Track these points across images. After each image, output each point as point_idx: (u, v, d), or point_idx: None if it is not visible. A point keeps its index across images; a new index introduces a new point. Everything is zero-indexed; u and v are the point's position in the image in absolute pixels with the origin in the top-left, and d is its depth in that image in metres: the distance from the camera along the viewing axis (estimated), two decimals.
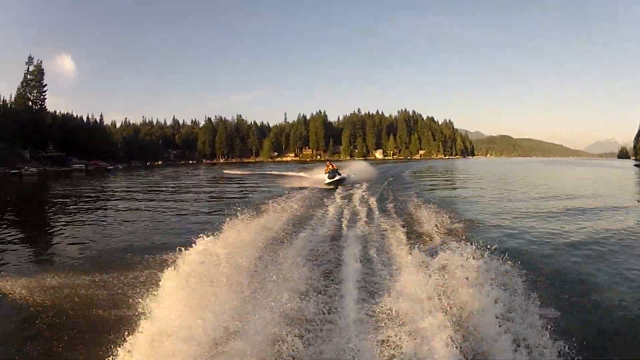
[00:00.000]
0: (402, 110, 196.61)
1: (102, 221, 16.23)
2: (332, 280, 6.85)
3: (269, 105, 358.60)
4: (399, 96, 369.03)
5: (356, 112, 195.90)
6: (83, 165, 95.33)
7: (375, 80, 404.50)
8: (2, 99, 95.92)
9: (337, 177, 26.83)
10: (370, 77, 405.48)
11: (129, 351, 4.66)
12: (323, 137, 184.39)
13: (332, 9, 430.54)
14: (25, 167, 76.67)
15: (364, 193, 21.13)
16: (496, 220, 13.64)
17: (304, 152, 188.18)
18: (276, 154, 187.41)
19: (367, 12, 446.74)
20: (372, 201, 17.50)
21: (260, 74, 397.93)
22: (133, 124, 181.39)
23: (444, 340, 4.46)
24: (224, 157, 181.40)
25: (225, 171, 58.98)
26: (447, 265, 6.48)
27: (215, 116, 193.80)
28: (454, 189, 28.40)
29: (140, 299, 5.99)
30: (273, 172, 49.63)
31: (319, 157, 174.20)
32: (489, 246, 6.91)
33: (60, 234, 14.27)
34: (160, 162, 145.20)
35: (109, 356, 4.80)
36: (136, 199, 25.21)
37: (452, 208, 15.53)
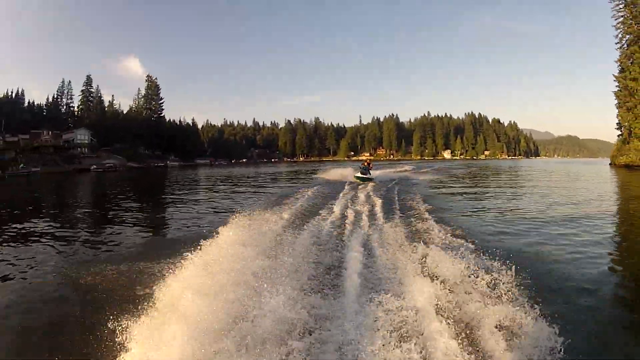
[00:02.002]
0: (468, 112, 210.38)
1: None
2: (335, 278, 6.77)
3: (341, 106, 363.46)
4: (469, 97, 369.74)
5: (426, 114, 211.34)
6: (208, 160, 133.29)
7: (443, 82, 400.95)
8: (117, 108, 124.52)
9: (367, 175, 27.67)
10: (438, 78, 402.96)
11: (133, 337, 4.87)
12: (395, 138, 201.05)
13: (401, 10, 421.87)
14: (167, 162, 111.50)
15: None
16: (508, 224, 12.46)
17: (378, 152, 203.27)
18: (352, 153, 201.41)
19: (432, 14, 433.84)
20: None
21: (330, 76, 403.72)
22: (214, 125, 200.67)
23: (444, 342, 4.51)
24: (304, 156, 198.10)
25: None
26: (451, 267, 6.57)
27: (294, 118, 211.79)
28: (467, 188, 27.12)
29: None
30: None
31: (391, 156, 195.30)
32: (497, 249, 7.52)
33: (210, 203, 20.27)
34: (244, 160, 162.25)
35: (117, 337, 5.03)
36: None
37: (461, 210, 15.17)
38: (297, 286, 5.98)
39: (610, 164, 66.77)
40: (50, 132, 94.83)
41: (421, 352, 4.39)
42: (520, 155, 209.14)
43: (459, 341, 4.59)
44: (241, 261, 6.65)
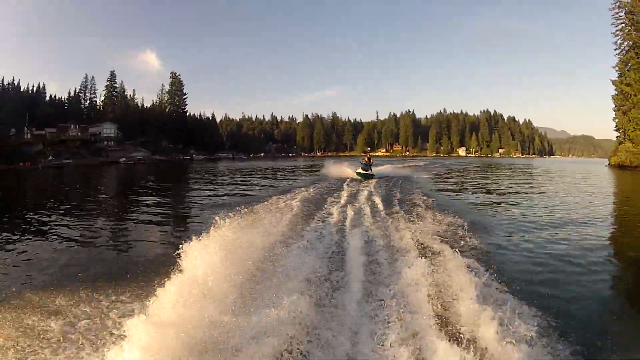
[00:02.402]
0: (484, 110, 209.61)
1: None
2: (336, 277, 6.92)
3: (358, 101, 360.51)
4: (485, 94, 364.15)
5: (442, 111, 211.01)
6: (230, 154, 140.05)
7: (460, 78, 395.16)
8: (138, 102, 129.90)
9: (368, 171, 27.85)
10: (454, 75, 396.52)
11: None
12: (412, 135, 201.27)
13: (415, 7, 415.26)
14: (193, 155, 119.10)
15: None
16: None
17: (394, 148, 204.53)
18: (369, 149, 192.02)
19: (448, 9, 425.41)
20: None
21: (348, 71, 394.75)
22: (232, 119, 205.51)
23: (443, 341, 4.59)
24: (321, 151, 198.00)
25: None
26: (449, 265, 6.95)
27: (312, 113, 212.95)
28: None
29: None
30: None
31: (407, 152, 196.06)
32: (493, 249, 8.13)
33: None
34: (262, 154, 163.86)
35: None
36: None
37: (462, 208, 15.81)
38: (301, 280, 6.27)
39: (607, 165, 70.58)
40: (77, 126, 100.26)
41: (419, 351, 4.51)
42: (534, 154, 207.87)
43: (458, 340, 4.69)
44: (242, 261, 6.67)
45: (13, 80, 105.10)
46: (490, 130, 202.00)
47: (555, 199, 20.31)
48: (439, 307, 5.63)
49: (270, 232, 9.31)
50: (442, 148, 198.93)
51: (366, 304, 5.82)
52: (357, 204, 15.71)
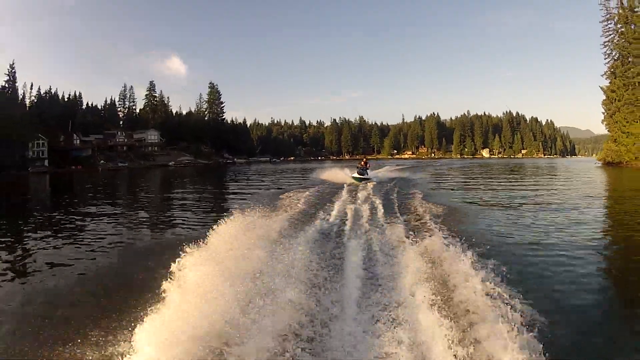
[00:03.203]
0: (506, 111, 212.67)
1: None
2: (335, 277, 6.98)
3: (383, 102, 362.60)
4: (509, 94, 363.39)
5: (465, 113, 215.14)
6: (269, 158, 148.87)
7: (483, 80, 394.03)
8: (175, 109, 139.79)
9: (364, 175, 27.51)
10: (477, 76, 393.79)
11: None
12: (436, 137, 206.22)
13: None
14: (235, 159, 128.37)
15: None
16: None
17: (420, 151, 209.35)
18: (395, 151, 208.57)
19: (463, 10, 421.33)
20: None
21: (371, 72, 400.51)
22: (262, 123, 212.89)
23: (443, 340, 4.59)
24: (349, 154, 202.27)
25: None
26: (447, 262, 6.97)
27: (339, 117, 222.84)
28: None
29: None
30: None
31: (433, 154, 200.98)
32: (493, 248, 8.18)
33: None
34: (292, 158, 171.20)
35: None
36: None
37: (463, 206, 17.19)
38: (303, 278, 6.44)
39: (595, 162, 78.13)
40: (124, 133, 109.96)
41: (416, 349, 4.57)
42: (556, 154, 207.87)
43: (455, 338, 4.67)
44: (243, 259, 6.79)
45: (50, 89, 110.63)
46: (512, 132, 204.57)
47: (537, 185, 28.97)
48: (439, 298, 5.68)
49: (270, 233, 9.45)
50: (465, 150, 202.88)
51: (365, 305, 5.84)
52: (357, 205, 16.19)
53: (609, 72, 71.97)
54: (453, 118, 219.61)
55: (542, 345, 4.45)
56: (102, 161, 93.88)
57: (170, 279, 6.14)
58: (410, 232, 10.29)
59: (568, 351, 5.01)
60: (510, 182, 33.04)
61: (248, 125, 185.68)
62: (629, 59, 68.50)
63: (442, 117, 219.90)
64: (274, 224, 10.88)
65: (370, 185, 25.71)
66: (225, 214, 13.41)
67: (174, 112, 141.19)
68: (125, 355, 4.78)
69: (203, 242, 7.73)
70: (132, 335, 4.98)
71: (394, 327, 5.08)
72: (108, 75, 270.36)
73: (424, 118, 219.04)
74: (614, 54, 71.84)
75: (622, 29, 69.63)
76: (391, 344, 4.73)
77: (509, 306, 5.26)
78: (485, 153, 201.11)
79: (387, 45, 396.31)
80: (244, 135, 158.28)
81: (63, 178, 59.74)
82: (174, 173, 65.29)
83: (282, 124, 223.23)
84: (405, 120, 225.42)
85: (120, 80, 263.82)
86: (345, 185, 25.12)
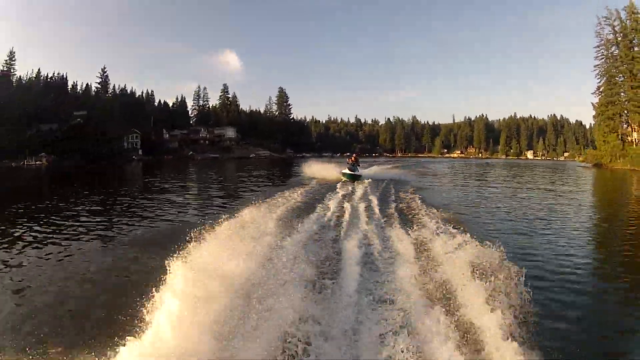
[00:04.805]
0: (551, 114, 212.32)
1: None
2: (333, 276, 7.16)
3: (436, 102, 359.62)
4: (555, 95, 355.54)
5: (512, 115, 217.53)
6: (330, 154, 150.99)
7: (531, 81, 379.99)
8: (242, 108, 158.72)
9: (355, 172, 26.73)
10: (524, 78, 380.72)
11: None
12: (484, 138, 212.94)
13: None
14: (304, 154, 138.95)
15: None
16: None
17: (469, 151, 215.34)
18: (445, 150, 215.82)
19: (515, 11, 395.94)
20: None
21: (426, 73, 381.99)
22: (319, 121, 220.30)
23: (442, 338, 4.67)
24: (402, 152, 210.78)
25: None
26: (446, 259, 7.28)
27: (393, 116, 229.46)
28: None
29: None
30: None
31: (480, 155, 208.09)
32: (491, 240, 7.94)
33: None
34: (349, 154, 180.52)
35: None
36: None
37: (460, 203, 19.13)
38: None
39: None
40: (206, 129, 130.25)
41: (413, 347, 4.62)
42: None
43: (455, 336, 4.82)
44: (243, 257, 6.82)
45: (125, 87, 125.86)
46: (556, 135, 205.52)
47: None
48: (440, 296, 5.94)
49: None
50: (511, 151, 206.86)
51: (365, 306, 5.92)
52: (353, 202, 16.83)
53: (597, 92, 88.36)
54: (500, 119, 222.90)
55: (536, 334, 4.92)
56: (190, 152, 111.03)
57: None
58: None
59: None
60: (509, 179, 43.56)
61: (307, 123, 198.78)
62: (611, 80, 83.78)
63: (490, 118, 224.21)
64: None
65: (365, 182, 25.46)
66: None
67: (246, 110, 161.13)
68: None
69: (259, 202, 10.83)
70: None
71: (394, 327, 5.17)
72: (171, 73, 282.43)
73: (473, 119, 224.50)
74: (604, 78, 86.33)
75: (612, 52, 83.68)
76: (391, 344, 4.79)
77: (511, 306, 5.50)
78: (529, 155, 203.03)
79: (441, 46, 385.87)
80: (306, 132, 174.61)
81: (165, 164, 78.93)
82: (262, 162, 78.48)
83: (339, 121, 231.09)
84: (455, 121, 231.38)
85: (181, 78, 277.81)
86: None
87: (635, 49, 79.12)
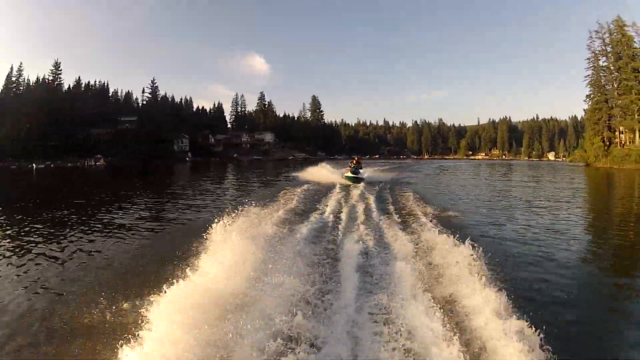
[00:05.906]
0: (572, 116, 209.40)
1: None
2: (332, 277, 7.21)
3: (461, 104, 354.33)
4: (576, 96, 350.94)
5: (535, 117, 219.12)
6: (368, 155, 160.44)
7: (552, 83, 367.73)
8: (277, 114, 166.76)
9: (357, 175, 26.81)
10: (546, 80, 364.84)
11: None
12: (507, 140, 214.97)
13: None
14: (336, 156, 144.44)
15: None
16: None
17: (493, 152, 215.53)
18: (470, 152, 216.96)
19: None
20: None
21: (452, 73, 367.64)
22: (348, 124, 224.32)
23: (441, 338, 4.67)
24: (429, 154, 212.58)
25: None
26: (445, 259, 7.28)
27: (420, 119, 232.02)
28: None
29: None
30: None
31: (504, 156, 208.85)
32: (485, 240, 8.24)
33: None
34: (377, 156, 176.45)
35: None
36: None
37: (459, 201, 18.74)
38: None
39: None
40: (247, 134, 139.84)
41: (416, 348, 4.60)
42: None
43: (453, 337, 4.77)
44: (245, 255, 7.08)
45: (165, 94, 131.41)
46: (576, 135, 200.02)
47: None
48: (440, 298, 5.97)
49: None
50: (533, 152, 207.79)
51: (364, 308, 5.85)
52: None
53: (588, 99, 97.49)
54: (522, 121, 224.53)
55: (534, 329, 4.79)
56: (235, 155, 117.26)
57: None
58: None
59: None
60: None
61: (338, 126, 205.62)
62: (599, 89, 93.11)
63: (514, 120, 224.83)
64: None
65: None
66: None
67: (284, 116, 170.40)
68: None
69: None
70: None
71: (394, 326, 5.13)
72: (200, 77, 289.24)
73: (497, 121, 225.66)
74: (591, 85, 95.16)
75: (601, 63, 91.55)
76: (390, 342, 4.78)
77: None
78: (550, 156, 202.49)
79: (465, 47, 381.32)
80: (336, 136, 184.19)
81: (214, 165, 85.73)
82: (300, 162, 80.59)
83: (368, 124, 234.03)
84: (480, 123, 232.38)
85: (210, 80, 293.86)
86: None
87: (622, 59, 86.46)
